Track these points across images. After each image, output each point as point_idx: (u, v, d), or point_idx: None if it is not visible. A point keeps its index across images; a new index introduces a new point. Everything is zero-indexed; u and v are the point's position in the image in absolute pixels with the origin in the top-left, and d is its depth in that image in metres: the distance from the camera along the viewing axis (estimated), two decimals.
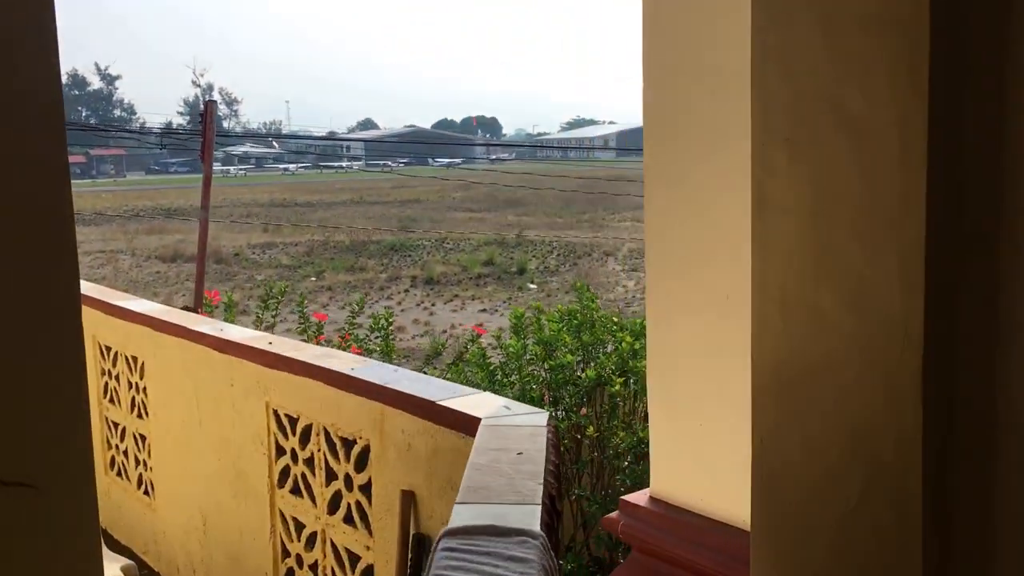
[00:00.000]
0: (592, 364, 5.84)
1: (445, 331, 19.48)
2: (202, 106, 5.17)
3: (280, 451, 2.89)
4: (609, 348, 6.11)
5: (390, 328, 5.41)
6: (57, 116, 0.89)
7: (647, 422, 5.96)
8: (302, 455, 2.82)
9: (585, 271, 26.36)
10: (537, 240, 33.41)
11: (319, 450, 2.77)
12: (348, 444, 2.68)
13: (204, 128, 4.79)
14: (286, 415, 2.77)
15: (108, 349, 3.14)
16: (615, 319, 6.27)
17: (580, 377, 5.73)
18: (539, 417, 2.42)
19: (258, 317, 5.27)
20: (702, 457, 2.07)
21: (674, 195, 2.03)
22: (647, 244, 2.12)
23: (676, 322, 2.11)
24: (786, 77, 0.99)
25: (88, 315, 3.40)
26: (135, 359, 3.08)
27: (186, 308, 4.91)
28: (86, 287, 3.55)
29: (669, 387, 2.21)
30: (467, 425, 2.35)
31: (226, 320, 5.16)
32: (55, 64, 0.88)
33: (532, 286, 25.01)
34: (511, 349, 5.85)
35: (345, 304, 22.82)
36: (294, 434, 2.81)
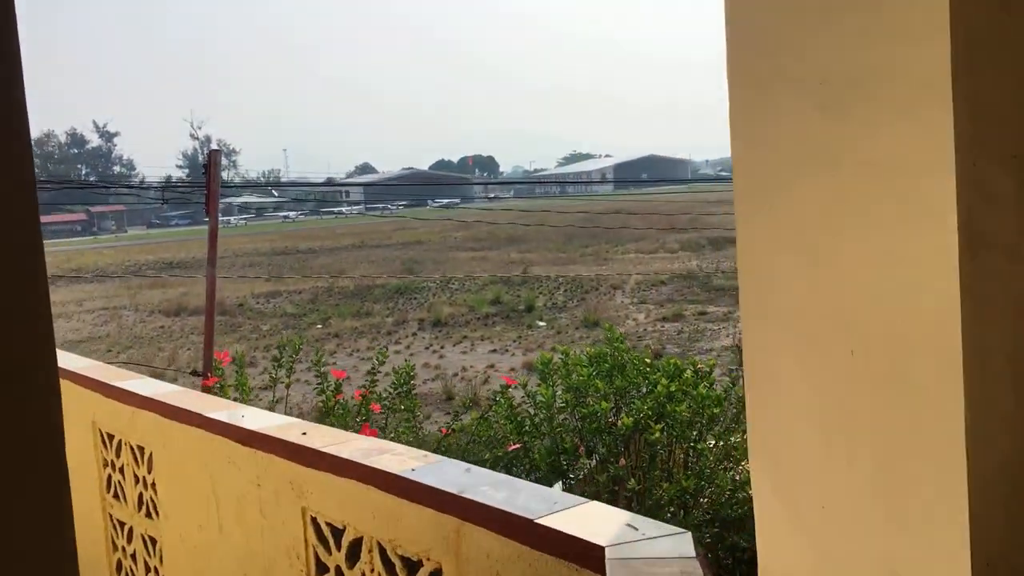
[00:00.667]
0: (627, 410, 5.52)
1: (456, 374, 19.20)
2: (202, 158, 4.90)
3: (322, 568, 2.35)
4: (643, 391, 5.81)
5: (412, 382, 5.09)
6: (28, 189, 0.78)
7: (687, 469, 5.62)
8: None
9: (593, 306, 26.13)
10: (542, 276, 33.20)
11: (373, 571, 2.21)
12: (412, 566, 2.10)
13: (208, 179, 4.51)
14: (328, 524, 2.25)
15: (111, 437, 2.76)
16: (647, 360, 5.95)
17: (615, 425, 5.41)
18: (682, 542, 1.82)
19: (271, 377, 4.94)
20: (827, 550, 1.71)
21: (778, 222, 1.66)
22: (741, 285, 1.77)
23: (784, 380, 1.74)
24: (1013, 82, 0.68)
25: (87, 398, 3.06)
26: (141, 449, 2.67)
27: (195, 373, 4.59)
28: (84, 365, 3.23)
29: (776, 456, 1.85)
30: (583, 554, 1.78)
31: (238, 383, 4.84)
32: (24, 133, 0.80)
33: (541, 323, 24.78)
34: (540, 398, 5.52)
35: (353, 351, 22.58)
36: (339, 548, 2.27)
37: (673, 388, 5.60)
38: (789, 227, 1.72)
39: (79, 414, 2.98)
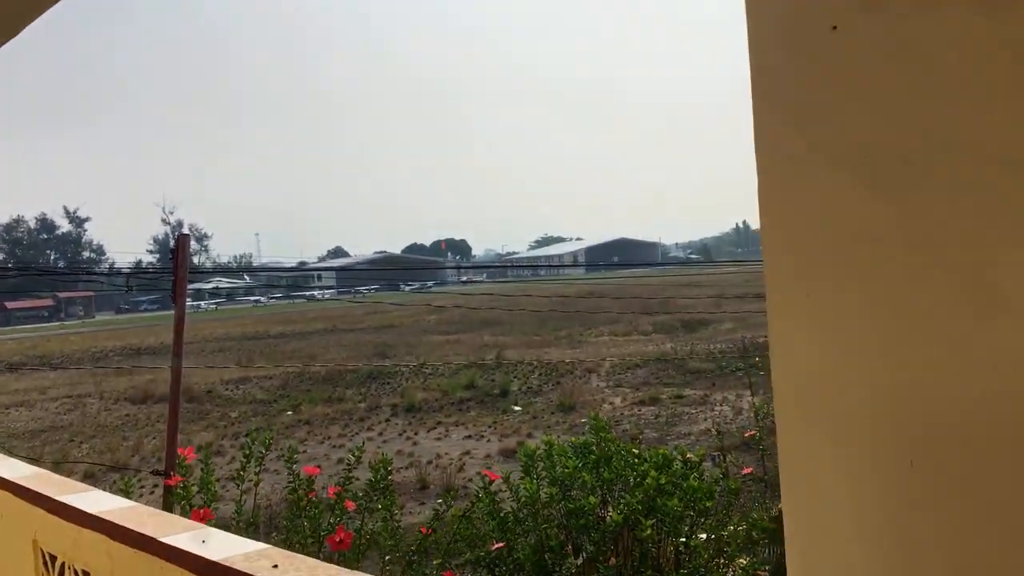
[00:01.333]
0: (615, 505, 5.27)
1: (431, 461, 18.80)
2: (172, 243, 4.67)
3: None
4: (631, 483, 5.57)
5: (389, 475, 4.82)
6: None
7: (679, 567, 5.35)
8: None
9: (569, 389, 25.89)
10: (516, 360, 32.97)
11: None
12: None
13: (175, 264, 4.28)
14: None
15: (53, 559, 2.45)
16: (635, 450, 5.73)
17: (604, 520, 5.15)
18: None
19: (239, 474, 4.65)
20: None
21: (817, 312, 1.47)
22: (776, 382, 1.56)
23: (828, 493, 1.52)
24: None
25: (28, 513, 2.76)
26: (87, 575, 2.36)
27: (156, 472, 4.29)
28: (27, 474, 2.94)
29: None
30: None
31: (202, 482, 4.53)
32: None
33: (517, 408, 24.50)
34: (524, 492, 5.26)
35: (324, 438, 22.09)
36: None
37: (663, 480, 5.38)
38: (830, 316, 1.53)
39: (19, 530, 2.69)
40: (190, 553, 1.83)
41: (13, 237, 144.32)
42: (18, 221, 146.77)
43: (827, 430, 1.56)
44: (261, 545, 1.92)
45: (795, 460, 1.71)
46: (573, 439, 5.93)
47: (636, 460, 5.80)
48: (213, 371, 29.46)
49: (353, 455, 4.75)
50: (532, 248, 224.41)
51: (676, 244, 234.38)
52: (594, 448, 5.85)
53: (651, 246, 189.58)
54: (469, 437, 21.47)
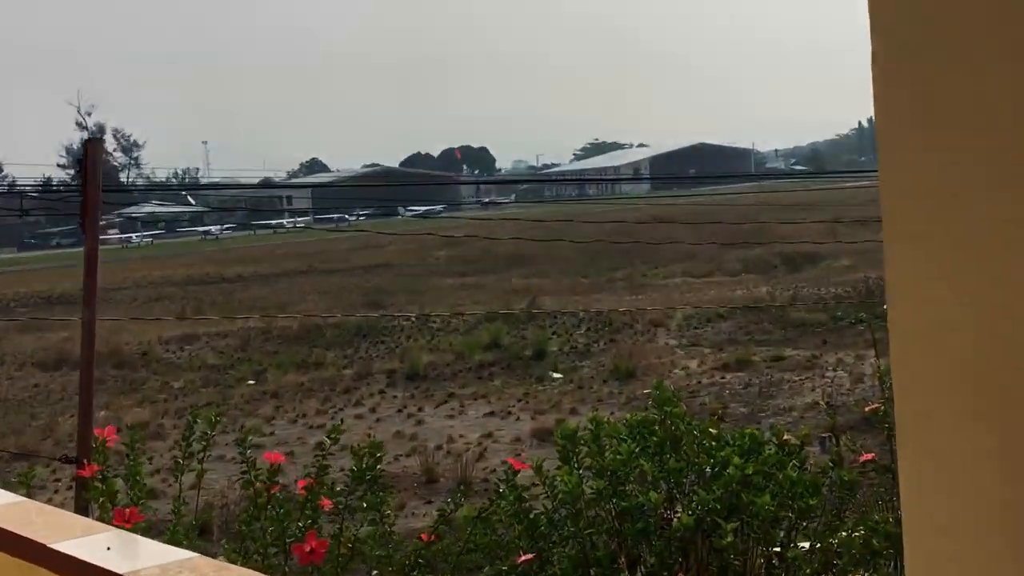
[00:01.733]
0: (685, 502, 5.29)
1: (440, 446, 19.05)
2: (82, 149, 4.67)
3: None
4: (707, 474, 5.60)
5: (379, 462, 4.86)
6: None
7: None
8: None
9: (627, 350, 25.99)
10: (557, 311, 33.05)
11: None
12: None
13: (84, 179, 4.28)
14: None
15: None
16: (712, 430, 5.75)
17: (669, 524, 5.18)
18: None
19: (177, 463, 4.70)
20: None
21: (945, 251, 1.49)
22: (892, 326, 1.61)
23: (952, 468, 1.56)
24: None
25: None
26: None
27: (67, 459, 4.34)
28: None
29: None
30: None
31: (129, 473, 4.59)
32: None
33: (556, 376, 24.63)
34: (562, 486, 5.29)
35: (297, 416, 22.39)
36: None
37: (750, 471, 5.40)
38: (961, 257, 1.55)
39: None
40: (88, 563, 1.84)
41: None
42: None
43: (954, 388, 1.56)
44: (186, 554, 1.93)
45: (917, 436, 1.72)
46: (629, 416, 5.95)
47: (715, 444, 5.81)
48: (150, 326, 29.81)
49: (330, 437, 4.78)
50: (578, 158, 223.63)
51: (776, 151, 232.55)
52: (657, 427, 5.87)
53: (741, 154, 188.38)
54: (492, 414, 21.64)
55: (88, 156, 4.28)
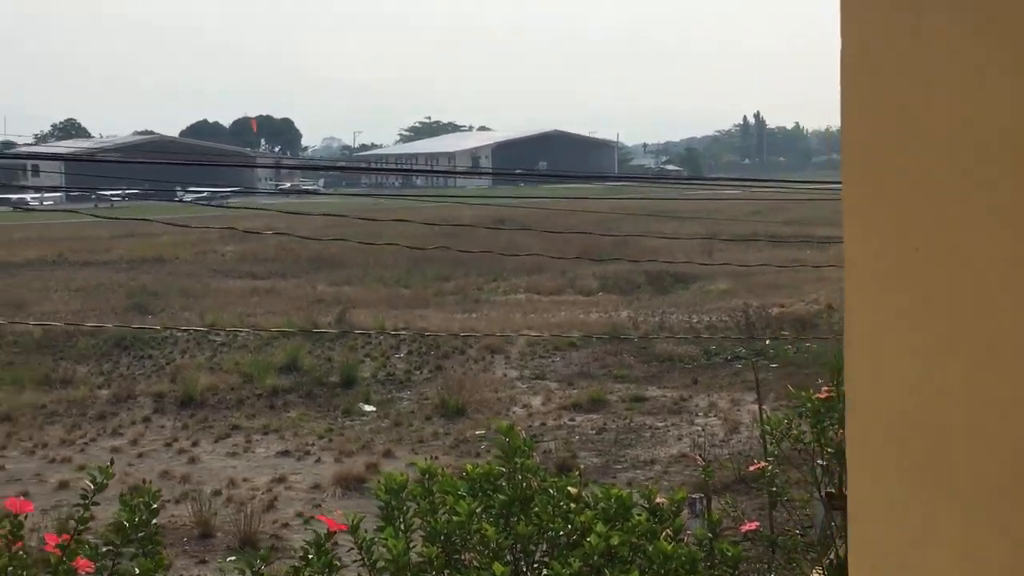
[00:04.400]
0: None
1: (219, 491, 18.76)
2: None
3: None
4: (562, 541, 5.64)
5: (156, 514, 4.72)
6: None
7: None
8: None
9: (457, 380, 26.00)
10: (370, 328, 32.88)
11: None
12: None
13: None
14: None
15: None
16: (572, 489, 5.79)
17: None
18: None
19: None
20: None
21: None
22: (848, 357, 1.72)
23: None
24: None
25: None
26: None
27: None
28: None
29: None
30: None
31: None
32: None
33: (368, 408, 24.52)
34: (383, 554, 5.25)
35: (36, 446, 21.77)
36: None
37: (615, 540, 5.47)
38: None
39: None
40: None
41: None
42: None
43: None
44: None
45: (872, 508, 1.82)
46: (468, 466, 5.95)
47: (573, 505, 5.86)
48: None
49: (95, 479, 4.62)
50: (405, 140, 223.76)
51: (644, 146, 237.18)
52: (504, 482, 5.89)
53: (602, 147, 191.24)
54: (286, 454, 21.45)
55: None
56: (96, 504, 4.57)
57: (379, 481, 5.76)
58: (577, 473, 6.41)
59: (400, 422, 23.53)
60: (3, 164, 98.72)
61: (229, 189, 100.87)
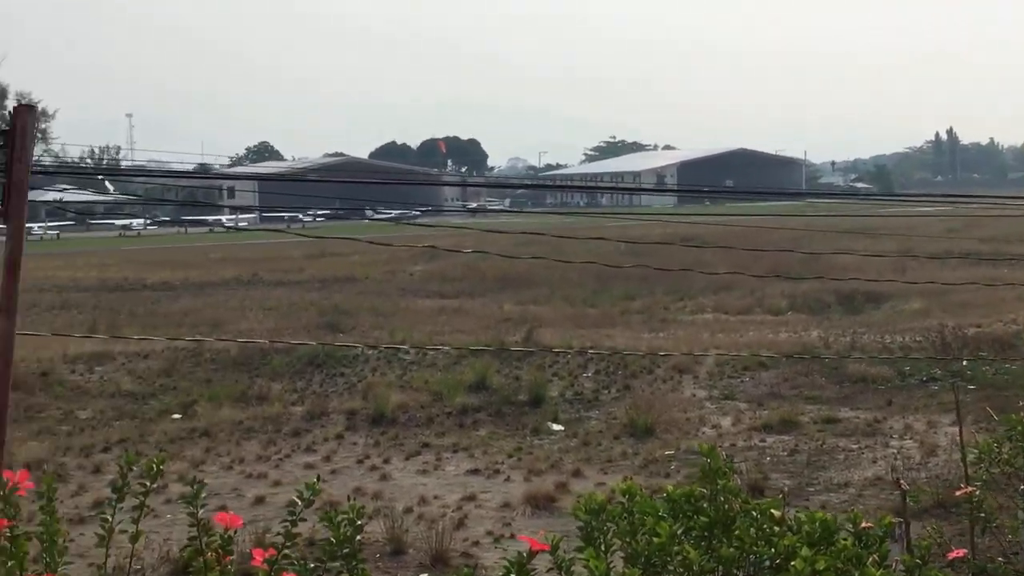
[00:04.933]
0: None
1: (410, 509, 18.87)
2: (9, 116, 4.55)
3: None
4: (765, 563, 5.51)
5: (360, 531, 4.74)
6: None
7: None
8: None
9: (646, 400, 25.86)
10: (558, 347, 32.88)
11: None
12: None
13: (9, 153, 4.17)
14: None
15: None
16: (775, 511, 5.64)
17: None
18: None
19: (104, 522, 4.56)
20: None
21: None
22: None
23: None
24: None
25: None
26: None
27: None
28: None
29: None
30: None
31: (43, 528, 4.46)
32: None
33: (557, 427, 24.50)
34: (587, 574, 5.18)
35: (234, 461, 22.24)
36: None
37: (821, 565, 5.30)
38: None
39: None
40: None
41: None
42: None
43: None
44: None
45: None
46: (668, 487, 5.84)
47: (775, 528, 5.72)
48: (54, 341, 29.57)
49: (302, 495, 4.64)
50: (590, 159, 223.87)
51: (832, 164, 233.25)
52: (705, 504, 5.77)
53: (788, 164, 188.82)
54: (475, 472, 21.49)
55: (17, 126, 4.17)
56: (303, 520, 4.60)
57: (579, 501, 5.70)
58: (780, 495, 6.27)
59: (588, 441, 23.44)
60: (201, 185, 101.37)
61: (415, 212, 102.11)
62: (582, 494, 5.94)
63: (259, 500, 19.66)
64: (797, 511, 5.99)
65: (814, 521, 5.59)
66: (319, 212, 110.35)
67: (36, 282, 55.51)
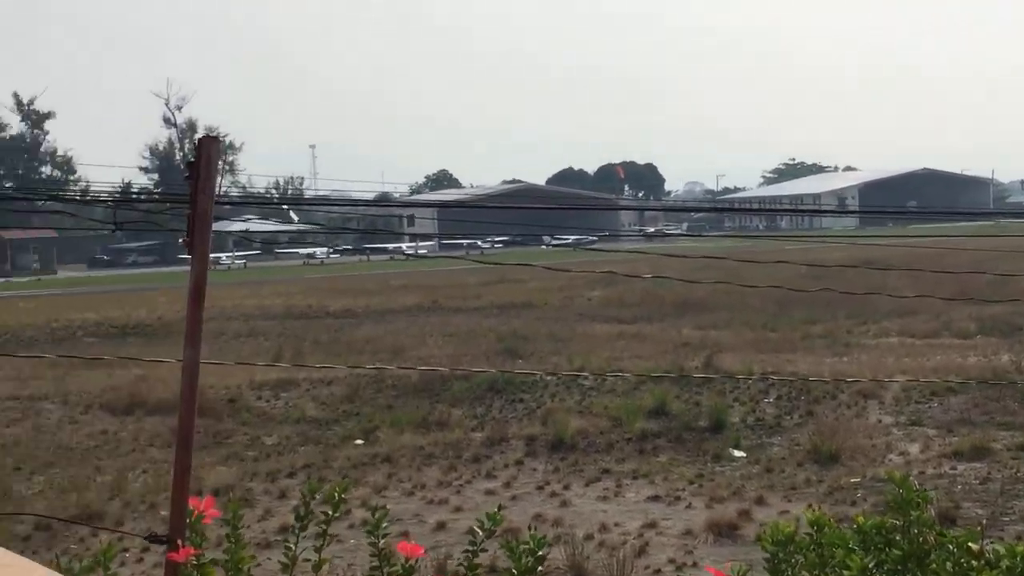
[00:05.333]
0: None
1: (591, 535, 18.77)
2: (183, 153, 4.61)
3: None
4: None
5: (542, 562, 4.67)
6: None
7: None
8: None
9: (829, 426, 25.36)
10: (738, 372, 32.53)
11: None
12: None
13: (194, 186, 4.22)
14: None
15: None
16: (972, 545, 5.41)
17: None
18: None
19: (287, 550, 4.57)
20: None
21: None
22: None
23: None
24: None
25: None
26: None
27: (155, 539, 4.26)
28: None
29: None
30: None
31: (230, 558, 4.48)
32: None
33: (738, 454, 24.17)
34: None
35: (415, 487, 22.41)
36: None
37: None
38: None
39: None
40: None
41: None
42: None
43: None
44: None
45: None
46: (858, 518, 5.64)
47: (973, 562, 5.48)
48: (239, 369, 30.25)
49: (483, 525, 4.60)
50: (768, 182, 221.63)
51: (1022, 183, 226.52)
52: (898, 535, 5.57)
53: (975, 184, 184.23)
54: (656, 499, 21.29)
55: (202, 157, 4.21)
56: (484, 551, 4.56)
57: (765, 531, 5.56)
58: (979, 527, 6.02)
59: (771, 468, 23.05)
60: (382, 214, 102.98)
61: (593, 237, 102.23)
62: (766, 523, 5.80)
63: (440, 526, 19.75)
64: (993, 543, 5.75)
65: (1015, 555, 5.35)
66: (497, 239, 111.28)
67: (224, 310, 57.05)
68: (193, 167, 4.38)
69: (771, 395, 29.61)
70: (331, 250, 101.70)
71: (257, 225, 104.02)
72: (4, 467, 24.82)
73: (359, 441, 26.46)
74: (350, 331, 48.31)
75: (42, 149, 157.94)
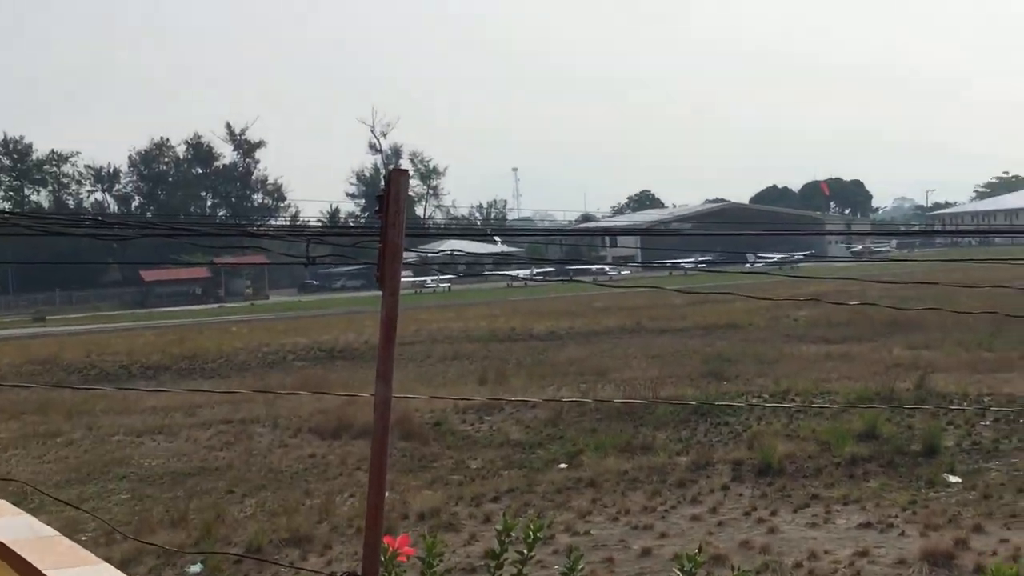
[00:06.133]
0: None
1: (800, 564, 18.37)
2: (384, 180, 4.55)
3: None
4: None
5: None
6: None
7: None
8: None
9: None
10: (952, 393, 31.63)
11: None
12: None
13: (384, 218, 4.16)
14: None
15: None
16: None
17: None
18: None
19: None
20: None
21: None
22: None
23: None
24: None
25: None
26: None
27: (348, 575, 4.20)
28: (29, 536, 2.91)
29: None
30: None
31: None
32: None
33: (954, 479, 23.35)
34: None
35: (619, 512, 22.24)
36: None
37: None
38: None
39: None
40: None
41: (155, 171, 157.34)
42: (160, 147, 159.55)
43: None
44: None
45: None
46: None
47: None
48: (443, 391, 30.61)
49: (683, 567, 4.43)
50: (981, 196, 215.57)
51: None
52: None
53: None
54: (867, 526, 20.69)
55: (391, 191, 4.14)
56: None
57: (991, 570, 5.28)
58: None
59: (989, 494, 22.20)
60: (582, 235, 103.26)
61: (799, 254, 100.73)
62: (984, 552, 5.52)
63: (645, 552, 19.53)
64: None
65: None
66: (701, 258, 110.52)
67: (430, 333, 57.91)
68: (383, 201, 4.31)
69: (988, 418, 28.61)
70: (533, 273, 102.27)
71: (461, 244, 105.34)
72: (218, 490, 25.50)
73: (563, 465, 26.41)
74: (554, 353, 48.46)
75: (253, 177, 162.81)
